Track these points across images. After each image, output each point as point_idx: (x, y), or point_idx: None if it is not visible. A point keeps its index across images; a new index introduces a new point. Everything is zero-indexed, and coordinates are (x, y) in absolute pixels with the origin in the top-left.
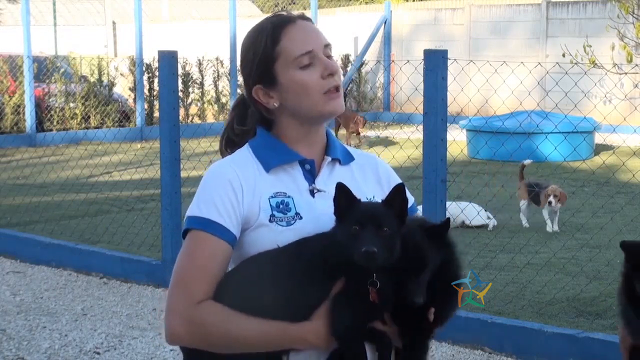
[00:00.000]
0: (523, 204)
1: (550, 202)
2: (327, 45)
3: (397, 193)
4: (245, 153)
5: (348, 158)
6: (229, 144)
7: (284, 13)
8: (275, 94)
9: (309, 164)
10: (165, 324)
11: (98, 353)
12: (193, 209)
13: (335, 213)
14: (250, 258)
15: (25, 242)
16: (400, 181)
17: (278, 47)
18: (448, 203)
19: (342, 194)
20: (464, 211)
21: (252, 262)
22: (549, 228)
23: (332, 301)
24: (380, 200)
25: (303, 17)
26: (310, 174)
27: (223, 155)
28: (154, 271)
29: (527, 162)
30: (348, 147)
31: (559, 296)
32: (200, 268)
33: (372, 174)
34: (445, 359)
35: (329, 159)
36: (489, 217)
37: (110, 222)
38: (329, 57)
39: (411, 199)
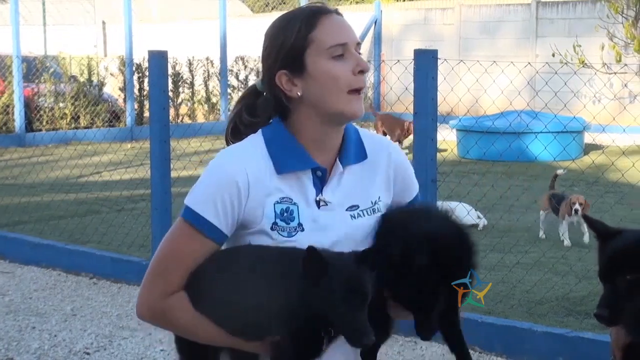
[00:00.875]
0: (542, 214)
1: (576, 211)
2: (359, 44)
3: (371, 255)
4: (258, 146)
5: (361, 157)
6: (235, 133)
7: (320, 4)
8: (299, 82)
9: (321, 171)
10: (136, 304)
11: (88, 353)
12: (192, 199)
13: (305, 274)
14: (228, 254)
15: (15, 242)
16: (410, 169)
17: (312, 34)
18: (438, 203)
19: (313, 259)
20: (454, 211)
21: (228, 261)
22: (566, 242)
23: (282, 341)
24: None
25: (338, 13)
26: (320, 182)
27: (228, 144)
28: (144, 271)
29: (560, 172)
30: (363, 137)
31: (548, 295)
32: (180, 262)
33: (383, 170)
34: (436, 358)
35: (341, 168)
36: (479, 217)
37: (100, 222)
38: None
39: (416, 187)
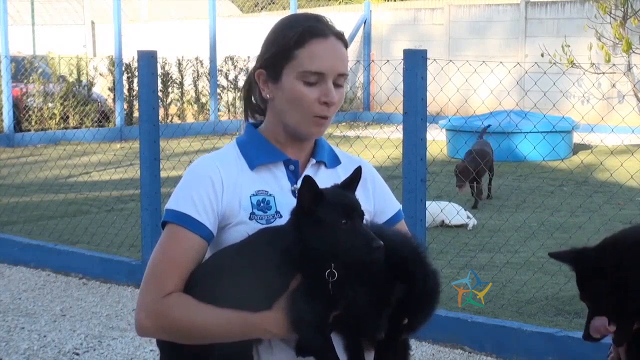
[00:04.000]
0: None
1: None
2: (342, 75)
3: (357, 177)
4: (231, 150)
5: (335, 162)
6: (250, 106)
7: (323, 22)
8: (272, 87)
9: (294, 165)
10: (135, 317)
11: (77, 354)
12: (172, 203)
13: (300, 206)
14: (218, 251)
15: (4, 243)
16: (384, 185)
17: (297, 51)
18: (428, 202)
19: (308, 186)
20: (444, 210)
21: (219, 255)
22: None
23: (291, 293)
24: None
25: (338, 36)
26: (294, 175)
27: (246, 114)
28: (133, 271)
29: None
30: (337, 150)
31: (538, 295)
32: (171, 262)
33: (360, 181)
34: (426, 358)
35: (314, 161)
36: (468, 217)
37: (90, 223)
38: (339, 87)
39: (397, 206)
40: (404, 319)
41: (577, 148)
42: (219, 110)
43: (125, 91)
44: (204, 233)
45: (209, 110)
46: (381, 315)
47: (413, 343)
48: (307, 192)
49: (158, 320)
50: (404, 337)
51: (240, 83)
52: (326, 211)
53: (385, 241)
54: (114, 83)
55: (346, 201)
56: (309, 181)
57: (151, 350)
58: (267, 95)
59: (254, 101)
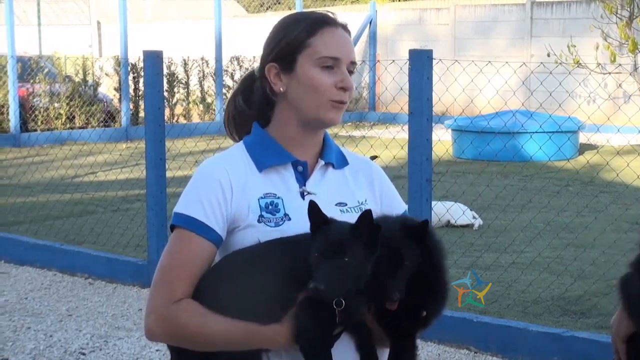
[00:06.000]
0: None
1: None
2: (353, 63)
3: (364, 220)
4: (238, 151)
5: (342, 162)
6: (231, 122)
7: (331, 14)
8: (285, 79)
9: (302, 166)
10: (144, 321)
11: (83, 354)
12: (180, 206)
13: (310, 229)
14: (228, 256)
15: (10, 243)
16: (391, 185)
17: (310, 39)
18: (433, 203)
19: (313, 212)
20: (450, 211)
21: (229, 261)
22: None
23: (298, 309)
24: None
25: (345, 28)
26: (302, 176)
27: (227, 128)
28: (139, 271)
29: None
30: (344, 151)
31: (543, 295)
32: (181, 267)
33: (364, 178)
34: (432, 358)
35: (322, 162)
36: (474, 217)
37: (96, 223)
38: (351, 73)
39: (404, 206)
40: (422, 312)
41: (583, 148)
42: (224, 110)
43: (131, 91)
44: (213, 237)
45: (214, 110)
46: (396, 274)
47: (419, 343)
48: (312, 215)
49: (167, 327)
50: (420, 332)
51: None
52: (316, 239)
53: (400, 216)
54: (119, 83)
55: (331, 238)
56: (313, 206)
57: (157, 350)
58: (281, 89)
59: (252, 104)
